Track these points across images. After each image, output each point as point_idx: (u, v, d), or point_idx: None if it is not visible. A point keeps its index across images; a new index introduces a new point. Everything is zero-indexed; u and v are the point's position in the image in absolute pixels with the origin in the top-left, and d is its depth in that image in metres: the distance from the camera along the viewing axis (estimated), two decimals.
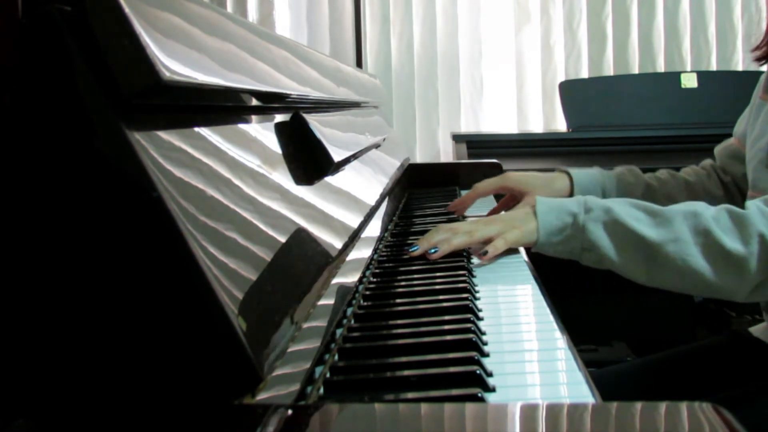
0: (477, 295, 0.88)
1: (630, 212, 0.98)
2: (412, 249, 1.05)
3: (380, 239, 1.11)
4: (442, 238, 1.05)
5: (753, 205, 0.98)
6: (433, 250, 1.03)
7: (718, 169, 1.36)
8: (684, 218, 0.96)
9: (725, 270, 0.95)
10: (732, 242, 0.94)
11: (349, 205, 0.91)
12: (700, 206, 0.99)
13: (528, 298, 0.90)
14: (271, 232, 0.59)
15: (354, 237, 0.86)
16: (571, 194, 1.29)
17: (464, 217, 1.38)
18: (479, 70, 2.76)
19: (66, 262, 0.43)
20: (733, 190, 1.33)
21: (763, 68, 1.30)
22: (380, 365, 0.64)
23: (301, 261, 0.63)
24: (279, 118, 0.78)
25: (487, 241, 1.04)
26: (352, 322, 0.76)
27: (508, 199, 1.36)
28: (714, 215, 0.97)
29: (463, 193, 1.66)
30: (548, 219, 1.01)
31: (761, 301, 1.09)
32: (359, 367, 0.64)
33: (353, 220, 0.88)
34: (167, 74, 0.45)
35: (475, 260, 1.05)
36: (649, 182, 1.32)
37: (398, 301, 0.84)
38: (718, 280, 0.95)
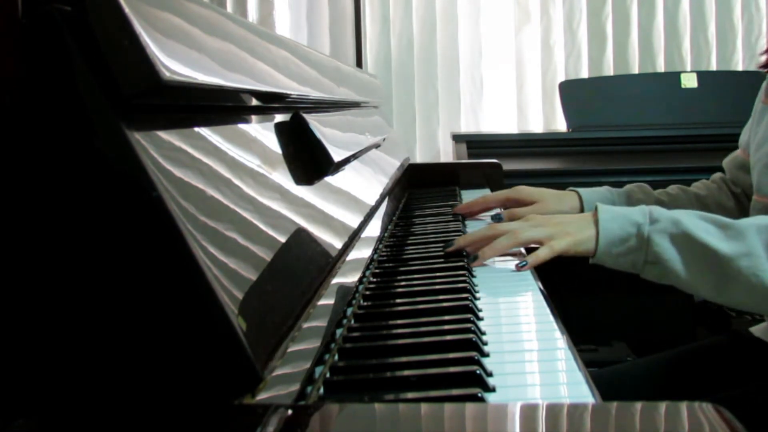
0: (477, 295, 0.88)
1: (699, 224, 0.94)
2: (448, 245, 1.00)
3: (380, 239, 1.11)
4: (483, 235, 0.99)
5: None
6: (471, 259, 0.97)
7: (728, 181, 1.36)
8: (758, 232, 0.93)
9: None
10: None
11: (349, 205, 0.91)
12: None
13: (528, 298, 0.90)
14: (271, 232, 0.59)
15: (354, 237, 0.86)
16: (581, 212, 1.27)
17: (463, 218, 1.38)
18: (479, 70, 2.76)
19: (66, 262, 0.43)
20: (744, 201, 1.33)
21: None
22: (380, 365, 0.64)
23: (301, 261, 0.63)
24: (279, 118, 0.78)
25: (535, 243, 0.98)
26: (352, 322, 0.76)
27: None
28: None
29: (464, 193, 1.65)
30: (610, 227, 0.96)
31: None
32: (359, 367, 0.64)
33: (353, 220, 0.88)
34: (167, 74, 0.45)
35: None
36: (659, 198, 1.31)
37: (398, 301, 0.84)
38: None
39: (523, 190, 1.32)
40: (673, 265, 0.94)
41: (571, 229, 0.98)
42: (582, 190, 1.31)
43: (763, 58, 1.23)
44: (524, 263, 0.97)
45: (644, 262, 0.95)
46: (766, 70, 1.22)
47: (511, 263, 1.02)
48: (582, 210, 1.27)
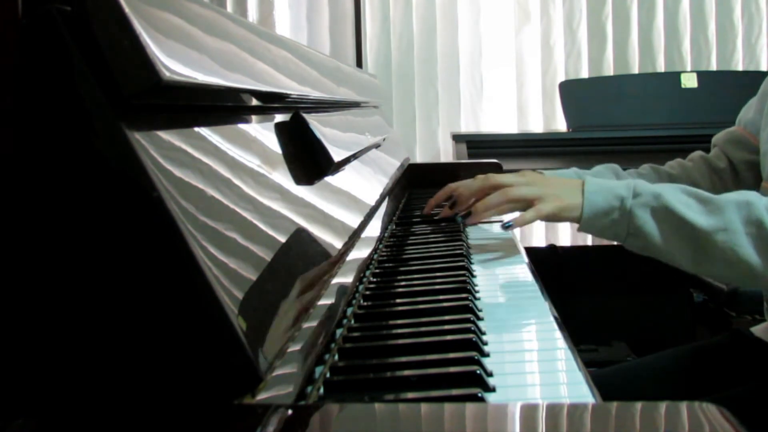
0: (477, 295, 0.88)
1: (681, 198, 0.97)
2: (463, 220, 1.03)
3: (380, 239, 1.11)
4: (478, 188, 1.01)
5: None
6: (459, 219, 1.00)
7: (712, 158, 1.36)
8: (737, 207, 0.95)
9: None
10: None
11: (349, 205, 0.91)
12: (753, 196, 0.97)
13: (528, 298, 0.90)
14: (271, 232, 0.59)
15: (354, 237, 0.86)
16: None
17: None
18: (479, 70, 2.76)
19: (66, 263, 0.43)
20: (726, 178, 1.33)
21: (763, 67, 1.30)
22: (380, 365, 0.64)
23: (301, 261, 0.63)
24: (279, 118, 0.78)
25: (524, 202, 1.02)
26: (352, 322, 0.76)
27: None
28: (767, 205, 0.95)
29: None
30: (595, 200, 0.99)
31: None
32: (359, 367, 0.64)
33: (353, 220, 0.88)
34: (167, 74, 0.45)
35: (475, 260, 1.05)
36: (629, 178, 1.32)
37: (398, 301, 0.84)
38: (766, 272, 0.94)
39: (495, 178, 1.32)
40: (654, 237, 0.97)
41: (561, 193, 1.01)
42: (548, 173, 1.31)
43: None
44: (509, 223, 1.01)
45: (627, 234, 0.99)
46: None
47: (507, 263, 1.03)
48: None
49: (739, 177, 1.31)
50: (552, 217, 1.01)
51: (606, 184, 1.01)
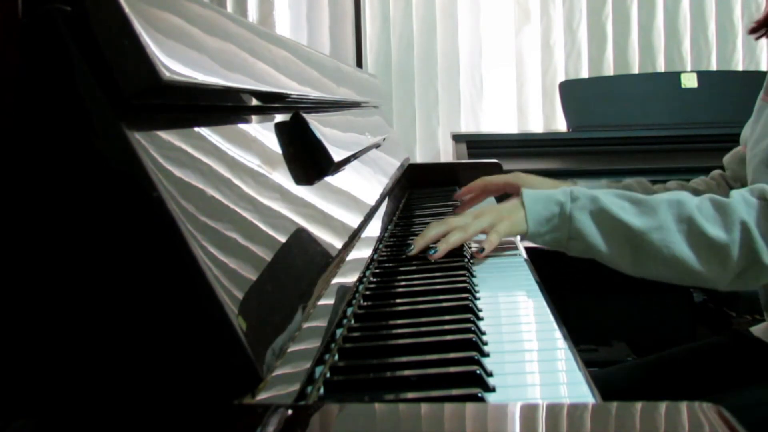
0: (477, 295, 0.88)
1: (615, 201, 0.99)
2: (409, 249, 1.04)
3: (380, 239, 1.11)
4: (436, 233, 1.04)
5: (737, 194, 0.99)
6: (432, 252, 1.02)
7: (728, 178, 1.36)
8: (668, 206, 0.98)
9: (708, 258, 0.96)
10: (714, 230, 0.95)
11: (349, 205, 0.91)
12: (684, 195, 1.00)
13: (528, 298, 0.90)
14: (271, 232, 0.59)
15: (354, 237, 0.86)
16: None
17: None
18: (479, 70, 2.76)
19: (66, 262, 0.43)
20: None
21: (763, 67, 1.31)
22: (380, 365, 0.64)
23: (301, 261, 0.63)
24: (279, 118, 0.78)
25: (482, 233, 1.05)
26: (352, 322, 0.76)
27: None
28: (697, 204, 0.98)
29: (463, 189, 1.65)
30: (535, 209, 1.02)
31: (742, 289, 1.10)
32: (359, 367, 0.64)
33: (353, 220, 0.88)
34: (167, 74, 0.45)
35: (474, 261, 1.05)
36: (657, 193, 1.31)
37: (398, 301, 0.84)
38: (701, 268, 0.96)
39: (522, 178, 1.33)
40: (594, 240, 0.99)
41: (506, 213, 1.05)
42: (581, 184, 1.31)
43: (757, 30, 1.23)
44: (481, 250, 1.03)
45: (568, 238, 1.01)
46: (756, 37, 1.23)
47: (507, 263, 1.05)
48: None
49: None
50: (508, 234, 1.05)
51: (543, 193, 1.04)
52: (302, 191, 0.73)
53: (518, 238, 1.16)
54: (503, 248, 1.13)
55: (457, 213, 1.38)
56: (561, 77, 2.70)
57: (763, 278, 0.98)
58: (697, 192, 1.33)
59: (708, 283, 0.99)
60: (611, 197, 1.00)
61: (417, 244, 1.04)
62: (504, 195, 1.40)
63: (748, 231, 0.95)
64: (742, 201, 0.97)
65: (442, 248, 1.02)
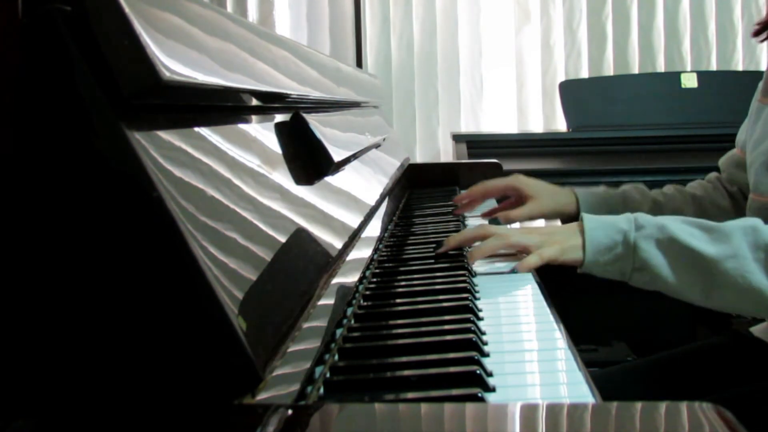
0: (477, 295, 0.88)
1: (685, 229, 0.94)
2: (438, 247, 1.01)
3: (380, 239, 1.11)
4: (473, 235, 1.01)
5: None
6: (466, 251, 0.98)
7: (724, 180, 1.36)
8: (743, 233, 0.93)
9: None
10: None
11: (349, 205, 0.91)
12: (758, 222, 0.95)
13: (528, 298, 0.90)
14: (271, 232, 0.59)
15: (354, 237, 0.86)
16: (576, 211, 1.27)
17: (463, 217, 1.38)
18: (479, 70, 2.76)
19: (66, 262, 0.43)
20: (739, 200, 1.33)
21: (763, 67, 1.31)
22: (380, 365, 0.64)
23: (301, 261, 0.63)
24: (279, 118, 0.78)
25: (522, 250, 0.99)
26: (352, 322, 0.76)
27: (509, 204, 1.36)
28: None
29: (464, 193, 1.66)
30: (596, 236, 0.96)
31: None
32: (359, 367, 0.64)
33: (353, 220, 0.88)
34: (167, 74, 0.45)
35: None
36: (655, 198, 1.31)
37: (398, 301, 0.84)
38: None
39: (522, 179, 1.32)
40: (661, 270, 0.94)
41: (559, 238, 0.98)
42: (579, 190, 1.31)
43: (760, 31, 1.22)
44: (515, 272, 0.97)
45: (632, 269, 0.95)
46: (760, 40, 1.22)
47: (499, 263, 1.02)
48: (578, 208, 1.28)
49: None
50: (554, 261, 0.98)
51: (605, 219, 0.98)
52: (302, 191, 0.73)
53: None
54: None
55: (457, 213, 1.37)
56: (561, 77, 2.70)
57: None
58: (695, 197, 1.33)
59: None
60: (680, 224, 0.95)
61: (449, 242, 1.01)
62: (503, 197, 1.40)
63: None
64: None
65: (476, 254, 0.98)
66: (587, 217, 0.99)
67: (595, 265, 0.97)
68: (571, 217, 1.28)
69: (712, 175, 1.39)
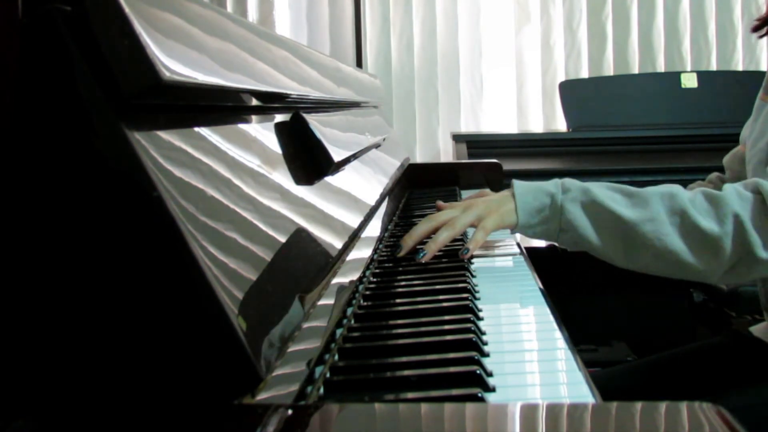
0: (477, 295, 0.88)
1: (607, 193, 0.99)
2: (397, 250, 1.03)
3: (380, 239, 1.11)
4: (424, 230, 1.03)
5: (730, 187, 0.99)
6: (420, 255, 1.00)
7: (727, 179, 1.36)
8: (661, 199, 0.98)
9: (700, 250, 0.96)
10: (707, 222, 0.95)
11: (349, 205, 0.91)
12: (677, 188, 1.00)
13: (528, 298, 0.90)
14: (271, 232, 0.59)
15: (354, 237, 0.86)
16: None
17: None
18: (479, 70, 2.76)
19: (66, 262, 0.43)
20: None
21: (763, 67, 1.31)
22: (380, 365, 0.64)
23: (301, 261, 0.63)
24: (279, 118, 0.78)
25: (471, 226, 1.04)
26: (352, 322, 0.76)
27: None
28: (690, 196, 0.98)
29: (464, 193, 1.66)
30: (526, 200, 1.01)
31: (734, 282, 1.10)
32: (359, 367, 0.64)
33: (353, 220, 0.88)
34: (167, 74, 0.45)
35: (475, 260, 1.05)
36: None
37: (398, 301, 0.84)
38: (693, 261, 0.96)
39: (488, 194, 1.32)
40: (585, 231, 0.99)
41: (494, 206, 1.04)
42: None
43: (759, 28, 1.23)
44: (466, 251, 1.02)
45: (558, 230, 1.01)
46: (759, 36, 1.23)
47: (507, 263, 1.04)
48: None
49: None
50: (496, 228, 1.04)
51: (534, 184, 1.04)
52: (302, 191, 0.73)
53: (517, 236, 1.16)
54: (503, 248, 1.13)
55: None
56: (561, 77, 2.70)
57: (756, 271, 0.98)
58: None
59: (700, 275, 0.99)
60: (603, 189, 1.00)
61: (405, 244, 1.03)
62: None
63: (741, 224, 0.95)
64: (735, 194, 0.97)
65: (431, 249, 1.01)
66: (517, 183, 1.04)
67: (527, 226, 1.02)
68: None
69: (714, 175, 1.39)
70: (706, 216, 0.96)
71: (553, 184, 1.02)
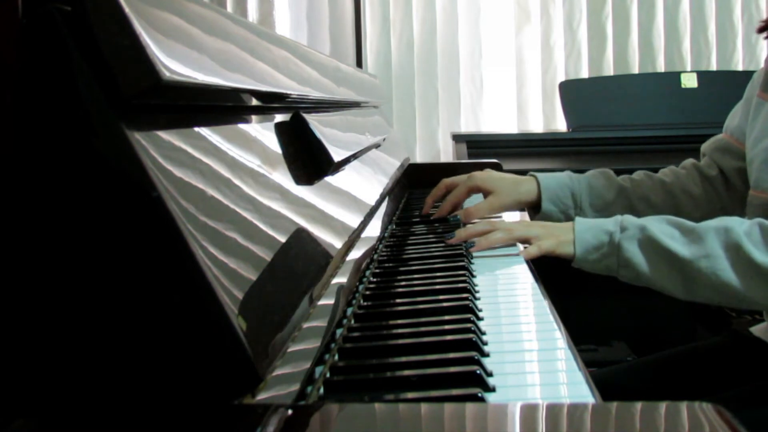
0: (477, 295, 0.88)
1: (664, 229, 1.02)
2: (448, 236, 1.11)
3: (380, 239, 1.11)
4: (481, 230, 1.11)
5: None
6: (470, 244, 1.08)
7: (703, 166, 1.36)
8: (716, 234, 1.00)
9: (755, 282, 0.99)
10: (761, 255, 0.98)
11: (349, 205, 0.91)
12: (733, 221, 1.02)
13: (528, 298, 0.90)
14: (271, 232, 0.59)
15: (354, 237, 0.86)
16: (538, 198, 1.30)
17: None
18: (479, 70, 2.76)
19: (66, 262, 0.43)
20: (718, 186, 1.33)
21: (762, 63, 1.31)
22: (380, 365, 0.64)
23: (301, 261, 0.63)
24: (279, 118, 0.78)
25: (524, 241, 1.09)
26: (352, 322, 0.76)
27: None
28: (746, 230, 1.00)
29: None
30: (585, 237, 1.05)
31: None
32: (359, 367, 0.64)
33: (353, 220, 0.88)
34: (167, 74, 0.45)
35: (475, 260, 1.05)
36: (622, 184, 1.32)
37: (398, 301, 0.84)
38: (748, 293, 0.99)
39: (478, 177, 1.33)
40: (642, 267, 1.03)
41: (555, 232, 1.08)
42: (541, 176, 1.32)
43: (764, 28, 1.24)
44: (472, 244, 1.10)
45: (617, 266, 1.04)
46: (763, 35, 1.23)
47: (507, 263, 1.06)
48: (539, 195, 1.30)
49: (730, 184, 1.32)
50: (551, 252, 1.07)
51: (594, 222, 1.07)
52: (302, 191, 0.73)
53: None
54: (503, 248, 1.13)
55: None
56: (561, 77, 2.70)
57: None
58: (664, 183, 1.33)
59: (759, 306, 1.04)
60: (661, 224, 1.03)
61: (459, 235, 1.10)
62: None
63: None
64: None
65: (482, 244, 1.08)
66: (579, 220, 1.09)
67: (584, 261, 1.06)
68: (533, 205, 1.31)
69: (689, 161, 1.39)
70: (761, 249, 0.99)
71: (612, 222, 1.05)
